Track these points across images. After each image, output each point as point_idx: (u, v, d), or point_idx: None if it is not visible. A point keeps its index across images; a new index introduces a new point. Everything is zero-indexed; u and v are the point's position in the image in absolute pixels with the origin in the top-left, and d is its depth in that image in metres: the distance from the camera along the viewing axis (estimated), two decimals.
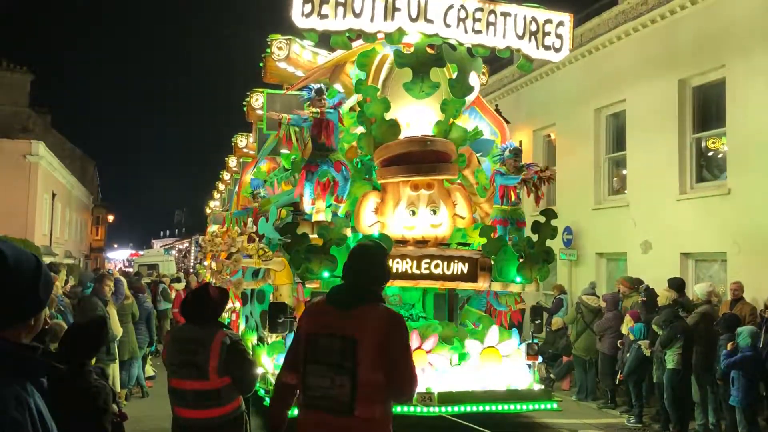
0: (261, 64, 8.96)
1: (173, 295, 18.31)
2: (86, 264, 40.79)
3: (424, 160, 6.29)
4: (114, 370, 9.65)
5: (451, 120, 6.78)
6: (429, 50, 6.56)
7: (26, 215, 26.62)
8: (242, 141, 14.11)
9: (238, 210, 12.39)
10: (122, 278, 11.84)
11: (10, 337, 1.95)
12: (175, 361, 4.76)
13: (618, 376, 10.83)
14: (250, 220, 10.73)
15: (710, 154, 12.69)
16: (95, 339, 4.65)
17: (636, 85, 13.74)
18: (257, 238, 8.24)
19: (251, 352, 7.29)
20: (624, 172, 14.66)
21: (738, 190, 11.29)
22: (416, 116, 6.84)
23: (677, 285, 10.22)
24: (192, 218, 71.13)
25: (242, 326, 10.08)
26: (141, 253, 49.76)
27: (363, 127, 6.58)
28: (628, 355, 10.40)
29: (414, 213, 6.32)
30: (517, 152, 7.55)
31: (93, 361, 4.86)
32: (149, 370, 12.85)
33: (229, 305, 11.87)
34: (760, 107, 10.99)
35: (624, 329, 10.53)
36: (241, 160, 14.33)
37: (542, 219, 7.25)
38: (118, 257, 67.27)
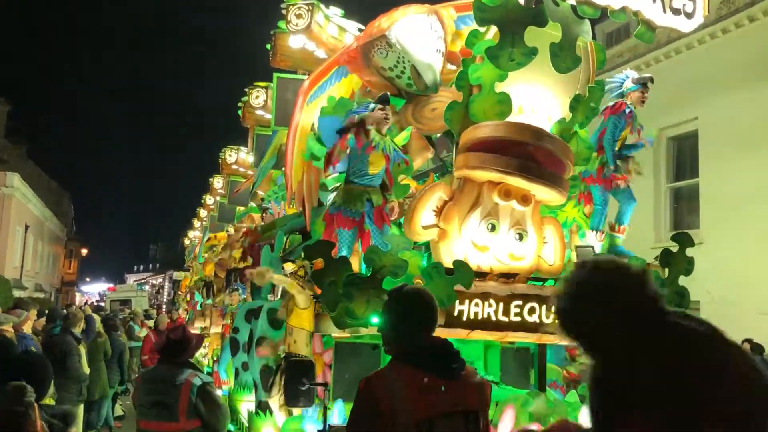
0: (268, 46, 6.76)
1: (143, 332, 17.38)
2: (57, 298, 40.12)
3: (533, 158, 4.33)
4: (79, 411, 9.38)
5: (574, 128, 4.95)
6: (522, 3, 4.65)
7: None
8: (232, 156, 11.61)
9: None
10: (95, 315, 11.66)
11: None
12: (145, 402, 4.71)
13: None
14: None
15: (684, 203, 12.91)
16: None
17: None
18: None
19: (246, 423, 5.89)
20: None
21: (710, 240, 11.47)
22: (535, 102, 4.83)
23: None
24: (167, 253, 70.52)
25: (226, 379, 7.87)
26: (116, 287, 49.00)
27: (462, 92, 4.61)
28: None
29: (493, 228, 4.33)
30: (644, 81, 5.67)
31: (50, 401, 4.69)
32: (118, 410, 12.62)
33: (206, 350, 11.41)
34: (731, 158, 11.25)
35: None
36: (230, 179, 11.86)
37: (674, 247, 5.21)
38: (91, 291, 66.23)
